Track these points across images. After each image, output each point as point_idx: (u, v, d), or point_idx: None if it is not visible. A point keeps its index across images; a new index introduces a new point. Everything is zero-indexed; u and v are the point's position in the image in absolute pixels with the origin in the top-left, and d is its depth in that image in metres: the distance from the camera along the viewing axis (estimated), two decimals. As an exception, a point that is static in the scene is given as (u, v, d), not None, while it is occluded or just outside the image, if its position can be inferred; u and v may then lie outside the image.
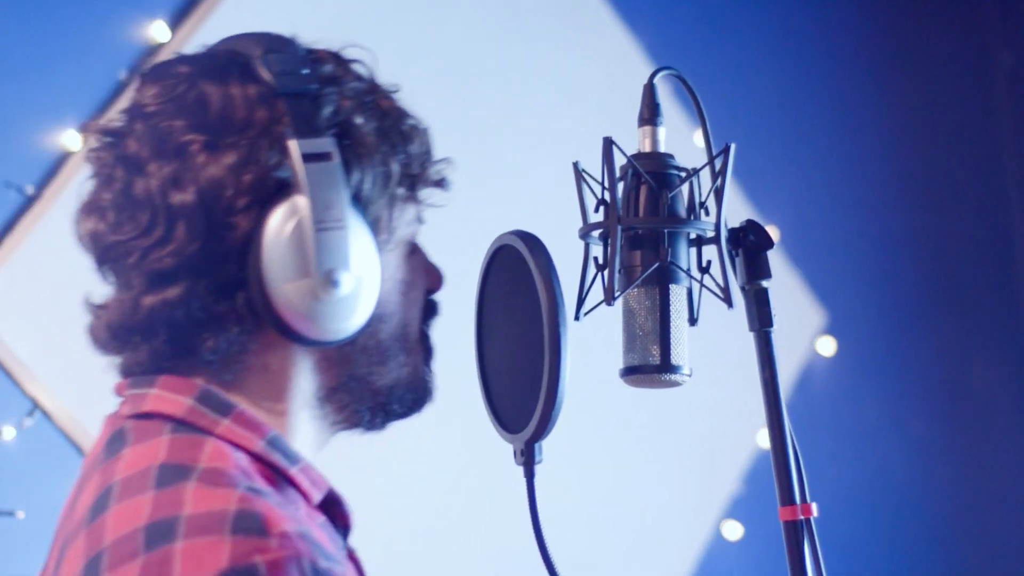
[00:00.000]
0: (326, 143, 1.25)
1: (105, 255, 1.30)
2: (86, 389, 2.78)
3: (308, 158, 1.24)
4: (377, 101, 1.34)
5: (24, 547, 2.69)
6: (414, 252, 1.41)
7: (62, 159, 2.83)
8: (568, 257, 1.48)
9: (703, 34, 3.77)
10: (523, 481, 1.44)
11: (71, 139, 2.83)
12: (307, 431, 1.34)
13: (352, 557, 1.37)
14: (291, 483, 1.27)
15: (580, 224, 1.48)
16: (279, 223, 1.24)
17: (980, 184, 4.20)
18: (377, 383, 1.36)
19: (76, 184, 2.78)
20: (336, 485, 1.34)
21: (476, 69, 3.34)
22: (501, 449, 1.48)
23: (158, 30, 2.95)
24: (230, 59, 1.31)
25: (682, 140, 1.55)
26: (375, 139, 1.31)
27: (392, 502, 3.02)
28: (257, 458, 1.25)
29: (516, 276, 1.42)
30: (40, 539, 2.67)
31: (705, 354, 2.73)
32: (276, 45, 1.31)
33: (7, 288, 2.74)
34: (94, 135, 1.32)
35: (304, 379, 1.32)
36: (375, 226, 1.31)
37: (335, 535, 1.32)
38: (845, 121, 4.01)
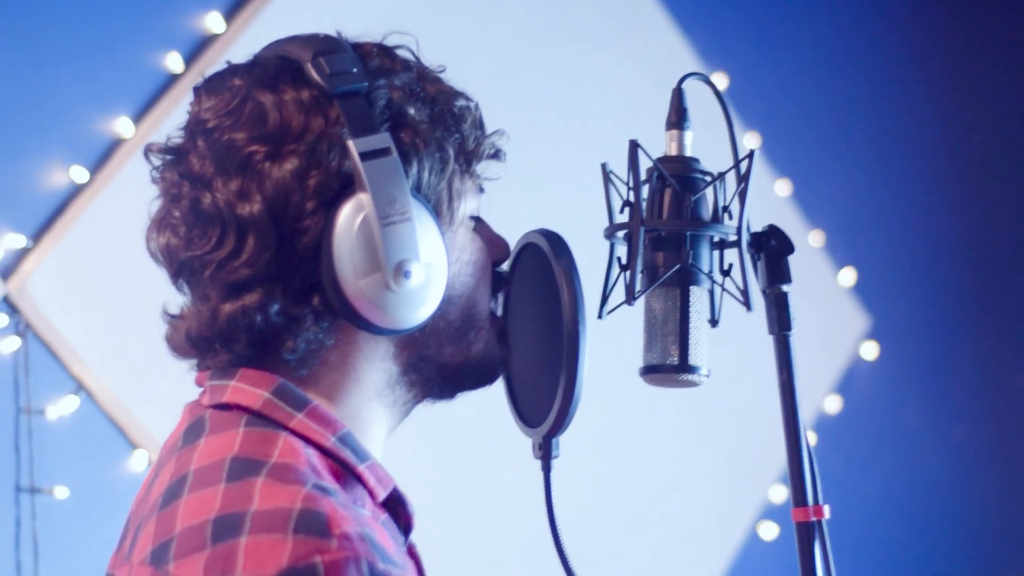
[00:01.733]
0: (383, 139, 1.27)
1: (180, 269, 1.32)
2: (130, 371, 2.83)
3: (367, 156, 1.26)
4: (426, 87, 1.36)
5: (66, 525, 2.74)
6: (478, 226, 1.44)
7: (114, 145, 2.87)
8: (598, 256, 1.51)
9: (755, 36, 3.77)
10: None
11: (124, 126, 2.87)
12: (379, 420, 1.37)
13: (412, 553, 1.39)
14: (358, 480, 1.30)
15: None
16: (346, 222, 1.26)
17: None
18: (447, 361, 1.39)
19: (127, 171, 2.84)
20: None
21: (521, 68, 3.36)
22: (525, 443, 1.50)
23: (213, 21, 2.99)
24: (281, 66, 1.33)
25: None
26: (429, 126, 1.33)
27: (415, 494, 3.04)
28: (327, 454, 1.28)
29: (539, 274, 1.44)
30: (81, 518, 2.74)
31: (746, 353, 2.76)
32: (324, 47, 1.33)
33: (57, 271, 2.79)
34: (156, 154, 1.34)
35: (376, 369, 1.35)
36: (437, 210, 1.34)
37: (396, 532, 1.34)
38: (893, 126, 4.00)
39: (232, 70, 1.35)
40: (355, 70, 1.31)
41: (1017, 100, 4.18)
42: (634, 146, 1.47)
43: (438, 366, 1.38)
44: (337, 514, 1.16)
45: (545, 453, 1.45)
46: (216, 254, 1.28)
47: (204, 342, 1.31)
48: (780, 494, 3.62)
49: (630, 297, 1.45)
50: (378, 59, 1.34)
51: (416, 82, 1.35)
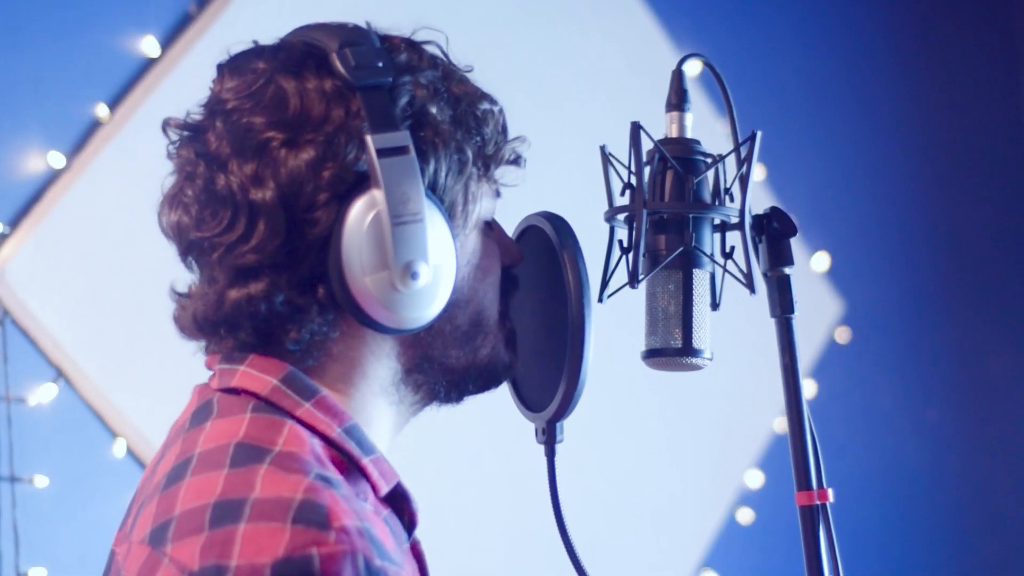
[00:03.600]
0: (402, 136, 1.26)
1: (189, 248, 1.31)
2: (110, 359, 2.81)
3: (384, 153, 1.25)
4: (451, 87, 1.35)
5: (46, 514, 2.72)
6: (490, 230, 1.42)
7: (91, 130, 2.85)
8: (594, 240, 1.50)
9: (728, 21, 3.77)
10: (544, 460, 1.46)
11: (101, 109, 2.85)
12: (384, 417, 1.36)
13: (416, 551, 1.39)
14: (362, 473, 1.29)
15: (606, 207, 1.50)
16: (358, 217, 1.25)
17: (999, 175, 4.19)
18: (452, 364, 1.37)
19: (104, 155, 2.82)
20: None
21: (504, 52, 3.35)
22: (524, 428, 1.50)
23: (189, 5, 2.98)
24: (306, 53, 1.31)
25: (707, 126, 1.55)
26: (450, 127, 1.32)
27: (413, 479, 3.03)
28: (332, 444, 1.27)
29: (542, 257, 1.44)
30: (62, 506, 2.71)
31: (725, 339, 2.75)
32: (351, 37, 1.31)
33: (35, 257, 2.76)
34: (174, 130, 1.33)
35: (382, 365, 1.34)
36: (451, 212, 1.33)
37: (399, 529, 1.33)
38: (867, 110, 4.01)
39: (257, 51, 1.33)
40: (380, 64, 1.29)
41: (992, 87, 4.20)
42: (636, 128, 1.46)
43: (443, 368, 1.37)
44: (338, 507, 1.16)
45: (549, 438, 1.45)
46: (225, 237, 1.26)
47: (209, 326, 1.30)
48: (756, 479, 3.63)
49: (633, 280, 1.44)
50: (405, 54, 1.33)
51: (441, 81, 1.34)
